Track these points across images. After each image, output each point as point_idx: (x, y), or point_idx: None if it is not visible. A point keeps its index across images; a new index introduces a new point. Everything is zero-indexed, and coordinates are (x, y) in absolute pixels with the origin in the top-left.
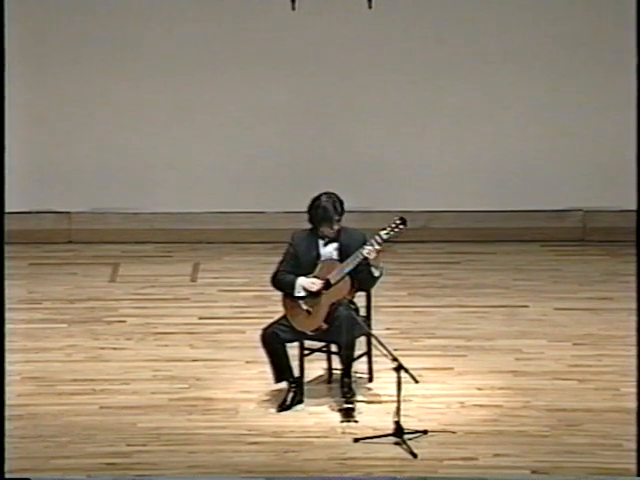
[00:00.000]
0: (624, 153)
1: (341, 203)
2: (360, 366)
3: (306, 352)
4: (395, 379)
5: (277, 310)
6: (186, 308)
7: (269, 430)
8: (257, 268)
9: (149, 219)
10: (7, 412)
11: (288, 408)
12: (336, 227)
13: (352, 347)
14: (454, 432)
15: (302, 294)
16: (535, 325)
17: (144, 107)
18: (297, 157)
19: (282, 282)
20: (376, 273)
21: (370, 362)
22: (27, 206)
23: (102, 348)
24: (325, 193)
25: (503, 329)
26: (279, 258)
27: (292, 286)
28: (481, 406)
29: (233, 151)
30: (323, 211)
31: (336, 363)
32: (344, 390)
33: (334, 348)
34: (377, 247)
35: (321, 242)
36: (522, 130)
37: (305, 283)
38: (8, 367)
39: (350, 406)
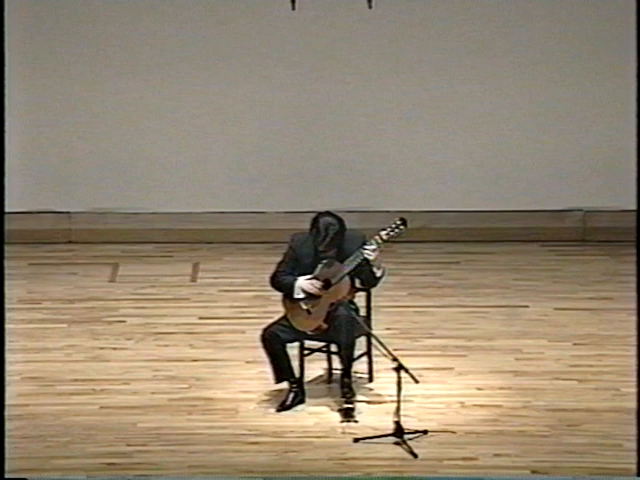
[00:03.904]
0: (624, 153)
1: (336, 233)
2: (360, 366)
3: (306, 352)
4: (395, 379)
5: (277, 310)
6: (186, 308)
7: (269, 430)
8: (257, 268)
9: (149, 219)
10: (7, 412)
11: (289, 408)
12: (325, 249)
13: (352, 347)
14: (454, 432)
15: (301, 296)
16: (535, 325)
17: (144, 107)
18: (297, 157)
19: (281, 283)
20: (378, 273)
21: (370, 362)
22: (27, 206)
23: (102, 348)
24: (328, 215)
25: (503, 329)
26: (279, 258)
27: (291, 287)
28: (481, 406)
29: (233, 151)
30: (316, 232)
31: (336, 363)
32: (344, 390)
33: (334, 348)
34: (377, 247)
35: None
36: (522, 130)
37: (304, 285)
38: (8, 367)
39: (350, 406)
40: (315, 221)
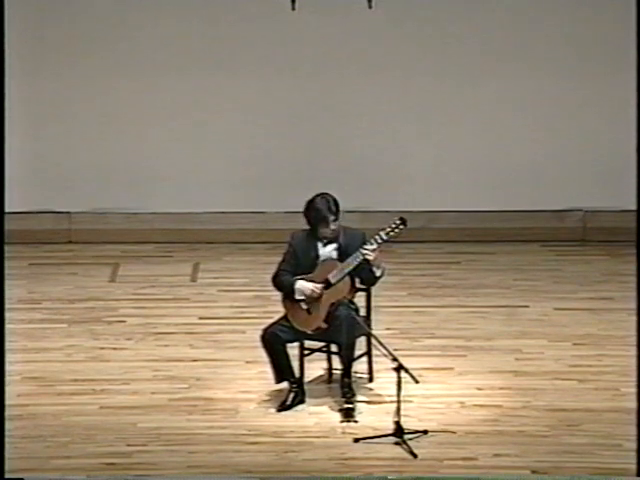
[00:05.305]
0: (624, 153)
1: (336, 203)
2: (360, 366)
3: (306, 352)
4: (395, 379)
5: (277, 310)
6: (186, 308)
7: (269, 430)
8: (257, 268)
9: (149, 219)
10: (7, 412)
11: (289, 408)
12: (333, 227)
13: (352, 347)
14: (454, 432)
15: (301, 298)
16: (535, 325)
17: (144, 107)
18: (297, 157)
19: (282, 284)
20: (378, 273)
21: (370, 362)
22: (27, 206)
23: (102, 348)
24: (319, 194)
25: (503, 329)
26: (279, 258)
27: (291, 289)
28: (481, 406)
29: (233, 151)
30: (317, 212)
31: (336, 363)
32: (344, 390)
33: (334, 348)
34: (376, 247)
35: (320, 243)
36: (522, 130)
37: (304, 289)
38: (8, 367)
39: (350, 406)
40: (310, 203)
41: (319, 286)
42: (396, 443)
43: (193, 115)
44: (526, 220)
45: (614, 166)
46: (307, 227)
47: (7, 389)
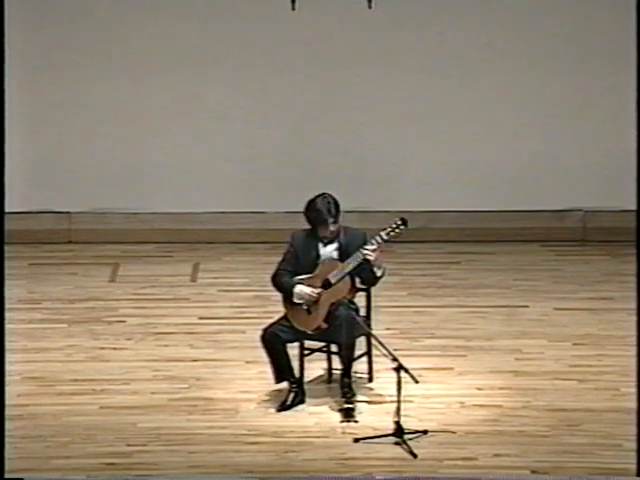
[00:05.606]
0: (624, 153)
1: (336, 204)
2: (360, 366)
3: (306, 352)
4: (395, 379)
5: (277, 310)
6: (186, 308)
7: (269, 430)
8: (257, 268)
9: (149, 219)
10: (7, 412)
11: (289, 408)
12: (333, 228)
13: (352, 347)
14: (454, 432)
15: (300, 301)
16: (535, 325)
17: (144, 107)
18: (297, 157)
19: (281, 285)
20: (379, 273)
21: (370, 362)
22: (27, 206)
23: (102, 348)
24: (320, 195)
25: (503, 329)
26: (279, 258)
27: (290, 292)
28: (481, 406)
29: (233, 151)
30: (317, 214)
31: (336, 363)
32: (344, 390)
33: (334, 348)
34: (377, 247)
35: (320, 243)
36: (522, 130)
37: (303, 294)
38: (8, 367)
39: (350, 406)
40: (311, 203)
41: (317, 291)
42: (396, 443)
43: (193, 115)
44: (526, 220)
45: (614, 166)
46: (307, 227)
47: (7, 389)
